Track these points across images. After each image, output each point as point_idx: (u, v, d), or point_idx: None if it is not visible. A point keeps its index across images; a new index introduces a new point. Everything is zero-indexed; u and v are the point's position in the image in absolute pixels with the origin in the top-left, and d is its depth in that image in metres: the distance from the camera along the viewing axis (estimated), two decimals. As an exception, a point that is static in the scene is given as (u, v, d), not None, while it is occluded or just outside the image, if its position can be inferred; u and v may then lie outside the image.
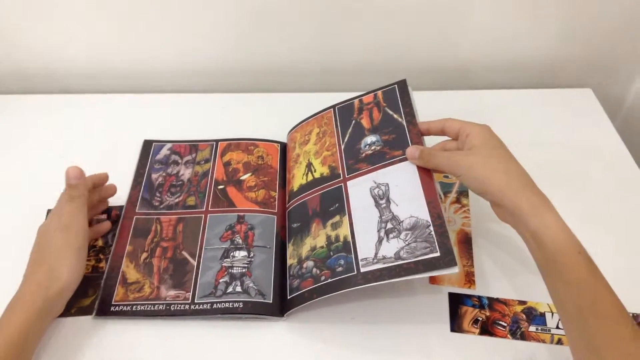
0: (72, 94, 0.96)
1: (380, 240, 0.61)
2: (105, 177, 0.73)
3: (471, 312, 0.65)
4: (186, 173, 0.78)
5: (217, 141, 0.82)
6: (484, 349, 0.62)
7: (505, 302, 0.66)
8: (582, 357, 0.52)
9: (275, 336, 0.63)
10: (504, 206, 0.58)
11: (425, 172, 0.64)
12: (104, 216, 0.74)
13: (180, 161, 0.80)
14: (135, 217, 0.73)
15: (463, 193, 0.77)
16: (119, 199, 0.75)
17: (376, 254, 0.60)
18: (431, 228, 0.60)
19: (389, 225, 0.62)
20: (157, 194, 0.76)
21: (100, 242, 0.72)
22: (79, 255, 0.62)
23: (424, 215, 0.61)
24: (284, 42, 0.93)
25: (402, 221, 0.62)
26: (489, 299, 0.66)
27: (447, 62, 0.96)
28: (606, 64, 0.96)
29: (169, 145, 0.82)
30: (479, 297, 0.67)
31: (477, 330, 0.64)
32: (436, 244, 0.58)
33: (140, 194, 0.76)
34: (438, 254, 0.57)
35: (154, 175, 0.78)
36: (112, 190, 0.74)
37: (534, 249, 0.56)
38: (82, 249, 0.63)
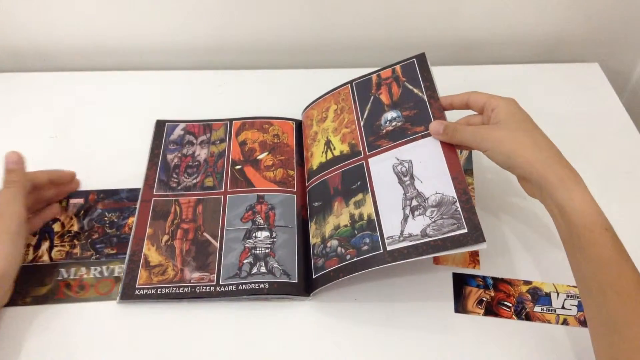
0: (63, 71, 0.94)
1: (405, 218, 0.61)
2: (69, 176, 0.71)
3: (475, 293, 0.65)
4: (202, 153, 0.77)
5: (231, 120, 0.81)
6: (489, 329, 0.62)
7: (510, 282, 0.66)
8: (600, 335, 0.52)
9: (301, 315, 0.63)
10: (532, 180, 0.57)
11: (449, 148, 0.64)
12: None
13: (195, 141, 0.79)
14: (153, 199, 0.72)
15: (467, 171, 0.76)
16: (124, 181, 0.74)
17: (402, 231, 0.60)
18: (457, 204, 0.59)
19: (414, 203, 0.62)
20: (174, 175, 0.75)
21: (75, 227, 0.71)
22: (15, 241, 0.61)
23: (450, 191, 0.61)
24: (282, 17, 0.91)
25: (427, 198, 0.61)
26: (494, 279, 0.66)
27: (449, 36, 0.95)
28: (613, 38, 0.96)
29: (182, 125, 0.81)
30: (484, 277, 0.66)
31: (482, 311, 0.64)
32: (463, 220, 0.58)
33: (157, 175, 0.75)
34: (465, 230, 0.57)
35: (169, 156, 0.77)
36: (69, 175, 0.72)
37: (560, 223, 0.56)
38: (17, 234, 0.61)
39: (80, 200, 0.74)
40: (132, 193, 0.74)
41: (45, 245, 0.69)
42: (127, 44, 0.94)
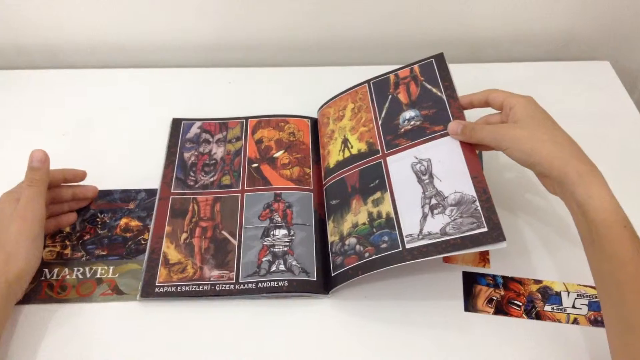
0: (74, 68, 0.94)
1: (424, 216, 0.62)
2: (81, 175, 0.71)
3: (485, 291, 0.65)
4: (218, 152, 0.77)
5: (246, 118, 0.81)
6: (499, 328, 0.62)
7: (520, 281, 0.66)
8: (616, 334, 0.52)
9: (320, 313, 0.64)
10: (552, 176, 0.58)
11: (468, 147, 0.64)
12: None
13: (211, 140, 0.79)
14: (171, 197, 0.72)
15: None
16: (137, 180, 0.74)
17: (421, 229, 0.61)
18: (477, 203, 0.60)
19: (433, 201, 0.62)
20: (192, 174, 0.75)
21: (67, 228, 0.71)
22: (35, 244, 0.61)
23: (469, 190, 0.61)
24: (292, 15, 0.91)
25: (446, 197, 0.62)
26: (504, 277, 0.66)
27: (459, 35, 0.95)
28: (624, 36, 0.96)
29: (198, 123, 0.81)
30: (494, 276, 0.66)
31: (492, 310, 0.64)
32: (483, 219, 0.58)
33: (174, 173, 0.75)
34: (485, 229, 0.58)
35: (186, 155, 0.77)
36: (92, 192, 0.72)
37: (579, 219, 0.56)
38: (38, 238, 0.62)
39: None
40: (125, 194, 0.74)
41: None
42: (136, 41, 0.94)
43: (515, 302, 0.64)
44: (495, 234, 0.57)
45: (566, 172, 0.56)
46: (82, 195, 0.72)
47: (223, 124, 0.81)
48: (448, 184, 0.63)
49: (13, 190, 0.65)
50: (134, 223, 0.71)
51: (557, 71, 0.93)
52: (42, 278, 0.66)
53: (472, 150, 0.64)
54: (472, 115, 0.69)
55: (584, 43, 0.97)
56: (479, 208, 0.59)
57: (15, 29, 0.92)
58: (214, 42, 0.95)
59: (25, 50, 0.95)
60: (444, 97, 0.70)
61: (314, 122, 0.81)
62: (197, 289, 0.64)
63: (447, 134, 0.66)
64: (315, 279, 0.64)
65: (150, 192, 0.74)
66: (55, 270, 0.67)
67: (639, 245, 0.52)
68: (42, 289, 0.65)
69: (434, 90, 0.71)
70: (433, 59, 0.74)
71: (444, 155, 0.65)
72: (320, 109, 0.82)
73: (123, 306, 0.64)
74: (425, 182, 0.64)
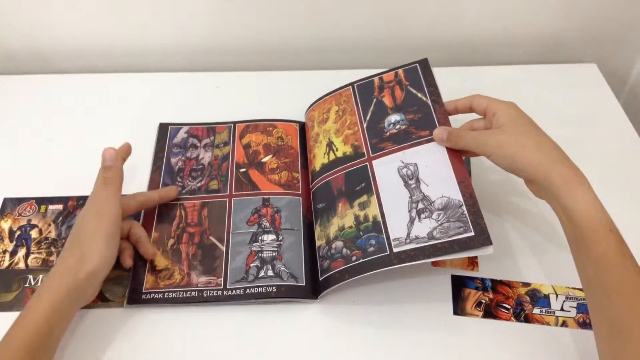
0: (60, 73, 0.93)
1: (412, 221, 0.62)
2: (175, 192, 0.72)
3: (474, 295, 0.65)
4: (206, 157, 0.77)
5: (234, 123, 0.81)
6: (488, 331, 0.62)
7: (508, 284, 0.66)
8: (604, 337, 0.52)
9: (309, 319, 0.64)
10: (537, 181, 0.58)
11: (454, 152, 0.65)
12: None
13: (198, 144, 0.79)
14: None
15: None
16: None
17: (408, 234, 0.61)
18: (464, 208, 0.60)
19: (420, 206, 0.62)
20: (179, 179, 0.75)
21: (53, 234, 0.70)
22: (109, 243, 0.61)
23: (456, 195, 0.61)
24: (280, 19, 0.91)
25: (433, 201, 0.62)
26: (492, 281, 0.66)
27: (447, 38, 0.95)
28: (610, 38, 0.96)
29: (185, 128, 0.81)
30: (482, 280, 0.66)
31: (481, 313, 0.64)
32: (470, 223, 0.59)
33: (162, 178, 0.75)
34: (472, 234, 0.58)
35: (173, 160, 0.77)
36: (174, 192, 0.73)
37: (565, 224, 0.56)
38: (112, 237, 0.61)
39: (59, 207, 0.73)
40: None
41: (22, 252, 0.68)
42: (123, 46, 0.94)
43: (504, 305, 0.64)
44: (482, 238, 0.58)
45: (550, 177, 0.56)
46: (167, 198, 0.72)
47: (210, 128, 0.81)
48: (435, 189, 0.63)
49: (92, 191, 0.64)
50: (121, 229, 0.71)
51: (544, 74, 0.93)
52: (27, 285, 0.66)
53: (458, 155, 0.65)
54: (458, 120, 0.69)
55: (570, 45, 0.97)
56: (466, 212, 0.60)
57: (4, 34, 0.91)
58: (201, 46, 0.94)
59: (13, 56, 0.94)
60: (429, 103, 0.70)
61: (302, 126, 0.81)
62: (184, 296, 0.64)
63: (433, 140, 0.66)
64: (303, 284, 0.64)
65: (137, 198, 0.73)
66: (41, 276, 0.66)
67: (625, 248, 0.53)
68: (26, 296, 0.65)
69: (419, 95, 0.72)
70: (417, 64, 0.75)
71: (431, 160, 0.65)
72: (306, 112, 0.82)
73: (109, 313, 0.64)
74: (412, 187, 0.64)
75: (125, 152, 0.68)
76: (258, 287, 0.64)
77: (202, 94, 0.90)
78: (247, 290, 0.64)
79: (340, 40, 0.95)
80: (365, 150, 0.70)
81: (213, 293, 0.64)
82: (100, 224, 0.61)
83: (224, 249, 0.68)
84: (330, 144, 0.74)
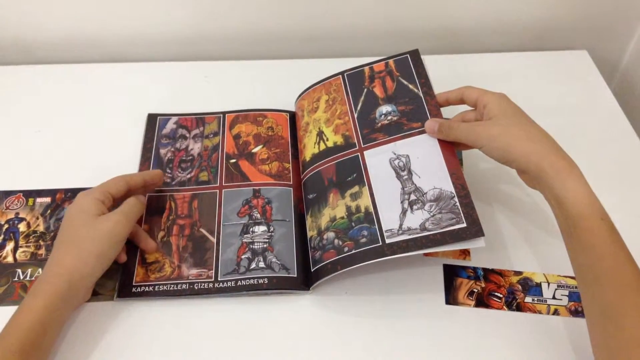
0: (48, 64, 0.92)
1: (404, 212, 0.62)
2: (159, 177, 0.71)
3: (466, 284, 0.65)
4: (195, 147, 0.76)
5: (224, 113, 0.80)
6: (480, 320, 0.63)
7: (500, 273, 0.66)
8: (596, 325, 0.53)
9: (301, 310, 0.64)
10: (529, 172, 0.58)
11: (446, 144, 0.65)
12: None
13: (188, 135, 0.78)
14: (147, 194, 0.71)
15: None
16: (106, 176, 0.69)
17: (401, 225, 0.61)
18: (456, 199, 0.60)
19: (413, 197, 0.62)
20: (168, 170, 0.74)
21: (41, 228, 0.69)
22: (111, 241, 0.61)
23: (448, 186, 0.61)
24: (266, 7, 0.90)
25: (425, 193, 0.62)
26: (484, 270, 0.66)
27: (437, 25, 0.95)
28: (601, 25, 0.96)
29: (174, 118, 0.80)
30: (474, 269, 0.66)
31: (473, 302, 0.64)
32: (462, 214, 0.59)
33: (150, 170, 0.74)
34: (464, 225, 0.58)
35: (162, 151, 0.76)
36: (159, 177, 0.71)
37: (558, 213, 0.56)
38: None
39: (48, 199, 0.72)
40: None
41: (10, 246, 0.68)
42: (110, 35, 0.93)
43: (496, 294, 0.65)
44: (474, 229, 0.58)
45: (542, 167, 0.56)
46: (153, 184, 0.70)
47: (200, 119, 0.80)
48: (427, 180, 0.63)
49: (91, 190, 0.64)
50: (110, 221, 0.70)
51: (534, 61, 0.93)
52: (15, 279, 0.65)
53: (450, 147, 0.64)
54: (449, 111, 0.69)
55: (561, 32, 0.97)
56: (458, 204, 0.60)
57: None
58: (189, 35, 0.93)
59: (-1, 46, 0.93)
60: (421, 94, 0.70)
61: (293, 116, 0.81)
62: (175, 288, 0.63)
63: (424, 132, 0.66)
64: (295, 276, 0.64)
65: (126, 190, 0.72)
66: (29, 270, 0.66)
67: (617, 237, 0.53)
68: (15, 290, 0.64)
69: (411, 86, 0.71)
70: (408, 55, 0.74)
71: (422, 152, 0.65)
72: (296, 101, 0.81)
73: (99, 307, 0.63)
74: (404, 178, 0.64)
75: (151, 177, 0.69)
76: (249, 279, 0.64)
77: (190, 83, 0.89)
78: (239, 282, 0.63)
79: (329, 29, 0.94)
80: (356, 141, 0.70)
81: (204, 285, 0.63)
82: (103, 221, 0.60)
83: (214, 240, 0.67)
84: (320, 134, 0.73)
